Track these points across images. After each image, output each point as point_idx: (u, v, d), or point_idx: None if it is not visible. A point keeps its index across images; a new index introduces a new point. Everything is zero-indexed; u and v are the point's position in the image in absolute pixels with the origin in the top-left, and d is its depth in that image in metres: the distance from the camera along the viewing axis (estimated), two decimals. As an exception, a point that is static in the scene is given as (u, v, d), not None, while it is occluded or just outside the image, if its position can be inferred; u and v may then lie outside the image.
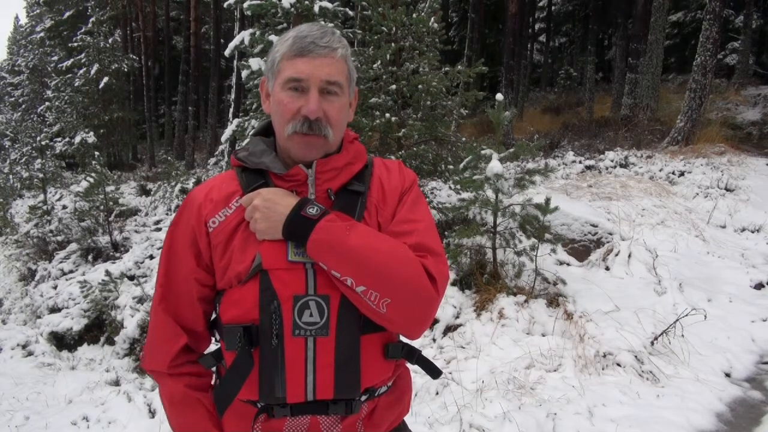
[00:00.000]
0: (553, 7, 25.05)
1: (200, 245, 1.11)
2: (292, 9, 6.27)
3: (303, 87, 1.05)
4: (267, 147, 1.14)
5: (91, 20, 21.16)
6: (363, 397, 1.10)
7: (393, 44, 6.29)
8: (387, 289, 1.00)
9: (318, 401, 1.05)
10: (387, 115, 6.13)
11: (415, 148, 6.33)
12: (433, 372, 1.22)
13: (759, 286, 4.84)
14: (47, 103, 22.32)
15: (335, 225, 1.01)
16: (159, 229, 9.19)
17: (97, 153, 9.96)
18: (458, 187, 5.97)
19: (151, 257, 7.52)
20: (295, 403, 1.04)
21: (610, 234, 5.69)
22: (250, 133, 1.27)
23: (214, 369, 1.21)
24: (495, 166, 4.47)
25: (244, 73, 6.82)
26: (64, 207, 11.66)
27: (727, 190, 7.23)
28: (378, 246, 1.02)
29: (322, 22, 0.99)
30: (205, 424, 1.11)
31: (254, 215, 1.04)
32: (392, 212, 1.14)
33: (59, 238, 9.31)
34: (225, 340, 1.07)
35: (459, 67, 6.69)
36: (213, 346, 1.19)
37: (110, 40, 20.07)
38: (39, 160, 18.32)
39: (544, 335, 4.02)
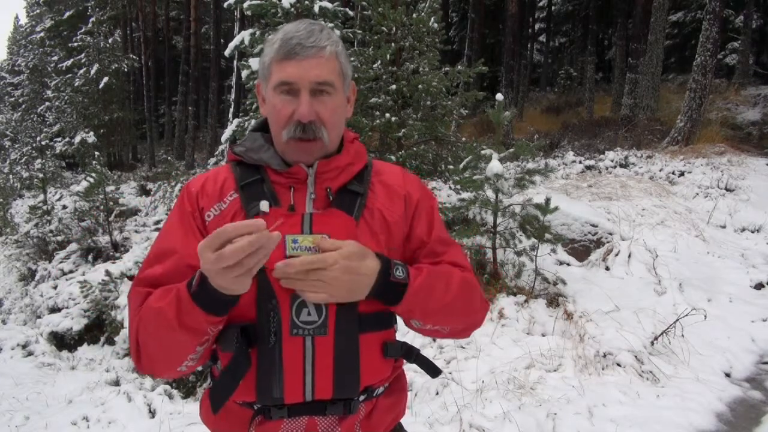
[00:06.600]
0: (553, 7, 25.06)
1: (201, 233, 1.09)
2: (292, 9, 6.27)
3: (294, 90, 1.03)
4: (265, 142, 1.13)
5: (91, 20, 21.16)
6: (361, 397, 1.08)
7: (393, 44, 6.29)
8: (456, 323, 1.14)
9: (316, 402, 1.03)
10: (387, 115, 6.13)
11: (415, 148, 6.34)
12: (433, 371, 1.20)
13: (759, 286, 4.84)
14: (47, 103, 22.35)
15: (422, 288, 1.04)
16: (159, 229, 9.16)
17: (97, 153, 9.93)
18: (458, 187, 5.96)
19: (152, 257, 7.49)
20: (292, 404, 1.02)
21: (610, 234, 5.69)
22: (248, 129, 1.25)
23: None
24: (495, 166, 4.47)
25: (244, 73, 6.80)
26: (64, 207, 11.62)
27: (727, 190, 7.23)
28: (452, 298, 1.08)
29: (314, 21, 0.98)
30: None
31: (331, 273, 0.94)
32: (401, 215, 1.14)
33: (59, 238, 9.29)
34: (221, 341, 1.04)
35: (459, 67, 6.69)
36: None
37: (110, 40, 20.05)
38: (39, 160, 18.32)
39: (544, 335, 4.02)
